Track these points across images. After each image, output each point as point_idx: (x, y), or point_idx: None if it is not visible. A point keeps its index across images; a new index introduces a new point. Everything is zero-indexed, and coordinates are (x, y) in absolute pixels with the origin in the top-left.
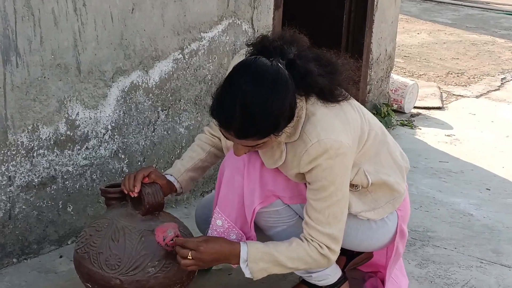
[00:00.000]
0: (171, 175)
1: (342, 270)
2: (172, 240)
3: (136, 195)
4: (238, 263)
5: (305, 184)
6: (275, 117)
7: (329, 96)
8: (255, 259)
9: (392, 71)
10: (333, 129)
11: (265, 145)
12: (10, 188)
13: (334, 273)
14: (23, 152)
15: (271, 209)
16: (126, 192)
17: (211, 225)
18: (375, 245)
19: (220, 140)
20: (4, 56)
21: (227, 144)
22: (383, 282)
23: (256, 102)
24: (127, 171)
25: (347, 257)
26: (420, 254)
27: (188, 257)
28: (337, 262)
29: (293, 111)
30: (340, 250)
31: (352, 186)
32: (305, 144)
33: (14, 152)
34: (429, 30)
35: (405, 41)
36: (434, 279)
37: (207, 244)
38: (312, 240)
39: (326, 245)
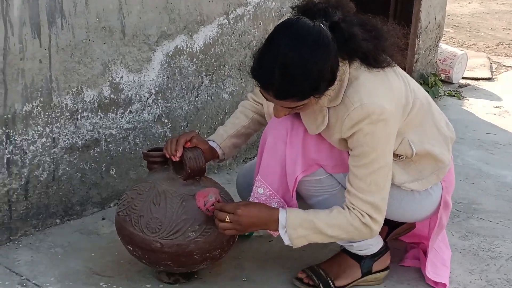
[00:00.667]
0: (214, 141)
1: (384, 240)
2: (213, 205)
3: (177, 159)
4: (277, 229)
5: (348, 152)
6: (315, 78)
7: (373, 61)
8: (294, 225)
9: (441, 41)
10: (377, 94)
11: (305, 107)
12: (54, 149)
13: (375, 243)
14: (67, 114)
15: (313, 178)
16: (168, 156)
17: (252, 193)
18: (418, 216)
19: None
20: (50, 18)
21: (269, 111)
22: (425, 253)
23: (295, 62)
24: (170, 135)
25: (389, 227)
26: (464, 226)
27: (226, 220)
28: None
29: (334, 73)
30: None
31: (396, 156)
32: (347, 108)
33: (58, 114)
34: None
35: (455, 10)
36: (477, 252)
37: (246, 208)
38: (353, 208)
39: (368, 214)
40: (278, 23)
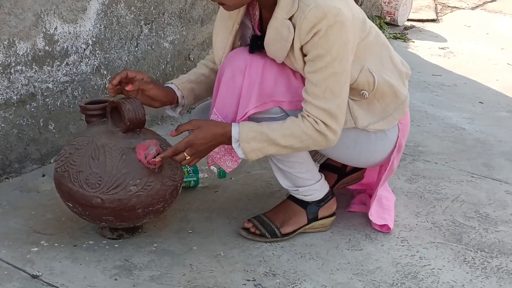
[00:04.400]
0: (172, 83)
1: (331, 188)
2: (154, 157)
3: (111, 86)
4: (231, 143)
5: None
6: None
7: None
8: (247, 138)
9: None
10: None
11: None
12: None
13: (321, 188)
14: None
15: (266, 115)
16: (170, 155)
17: None
18: (373, 159)
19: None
20: None
21: (216, 54)
22: (371, 198)
23: None
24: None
25: (339, 175)
26: (410, 169)
27: (186, 157)
28: (327, 179)
29: None
30: (333, 167)
31: (359, 94)
32: (303, 11)
33: None
34: None
35: None
36: (423, 194)
37: (197, 136)
38: (308, 116)
39: (321, 120)
40: None
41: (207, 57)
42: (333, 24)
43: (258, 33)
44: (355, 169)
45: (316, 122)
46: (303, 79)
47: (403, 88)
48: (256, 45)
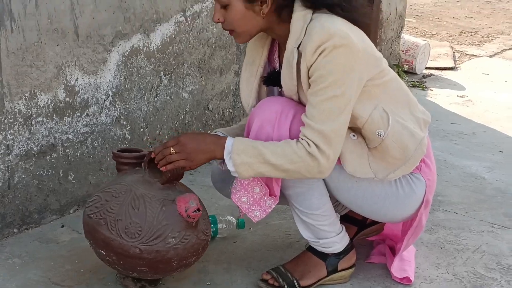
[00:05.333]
0: (219, 131)
1: (351, 239)
2: (194, 211)
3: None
4: (222, 156)
5: None
6: None
7: (340, 10)
8: (238, 150)
9: (403, 31)
10: (341, 24)
11: (232, 10)
12: (8, 157)
13: (342, 241)
14: (21, 120)
15: None
16: (153, 156)
17: (236, 177)
18: (400, 216)
19: None
20: None
21: (247, 102)
22: (391, 249)
23: None
24: (129, 138)
25: (359, 227)
26: (430, 219)
27: (172, 152)
28: (347, 231)
29: None
30: (354, 219)
31: (374, 134)
32: (309, 34)
33: (11, 120)
34: None
35: (418, 0)
36: (444, 245)
37: (188, 135)
38: (302, 139)
39: (315, 143)
40: None
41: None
42: (339, 46)
43: (277, 68)
44: (376, 221)
45: (308, 144)
46: None
47: (419, 130)
48: (270, 79)
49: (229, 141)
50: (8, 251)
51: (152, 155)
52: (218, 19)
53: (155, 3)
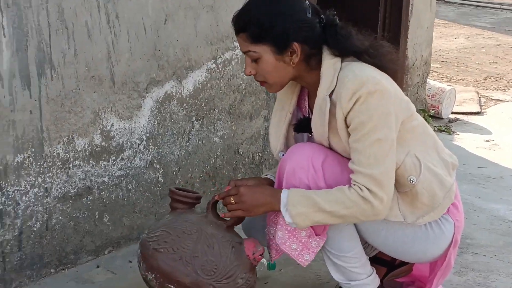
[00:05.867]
0: (270, 175)
1: (381, 281)
2: (260, 255)
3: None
4: (280, 209)
5: None
6: (263, 19)
7: (367, 57)
8: (293, 202)
9: (428, 77)
10: (370, 71)
11: (263, 62)
12: (47, 199)
13: (372, 283)
14: (59, 163)
15: None
16: (218, 199)
17: (279, 225)
18: (430, 256)
19: None
20: (39, 69)
21: (276, 147)
22: None
23: (257, 3)
24: (162, 181)
25: (388, 268)
26: (458, 261)
27: (231, 202)
28: (377, 272)
29: (288, 33)
30: (383, 260)
31: (406, 180)
32: (342, 82)
33: (50, 164)
34: (467, 34)
35: (443, 46)
36: (473, 287)
37: (248, 188)
38: (354, 184)
39: (366, 187)
40: None
41: None
42: (373, 92)
43: (306, 115)
44: (405, 262)
45: (361, 189)
46: None
47: (449, 177)
48: (300, 126)
49: (284, 194)
50: None
51: (216, 198)
52: (250, 72)
53: (187, 51)
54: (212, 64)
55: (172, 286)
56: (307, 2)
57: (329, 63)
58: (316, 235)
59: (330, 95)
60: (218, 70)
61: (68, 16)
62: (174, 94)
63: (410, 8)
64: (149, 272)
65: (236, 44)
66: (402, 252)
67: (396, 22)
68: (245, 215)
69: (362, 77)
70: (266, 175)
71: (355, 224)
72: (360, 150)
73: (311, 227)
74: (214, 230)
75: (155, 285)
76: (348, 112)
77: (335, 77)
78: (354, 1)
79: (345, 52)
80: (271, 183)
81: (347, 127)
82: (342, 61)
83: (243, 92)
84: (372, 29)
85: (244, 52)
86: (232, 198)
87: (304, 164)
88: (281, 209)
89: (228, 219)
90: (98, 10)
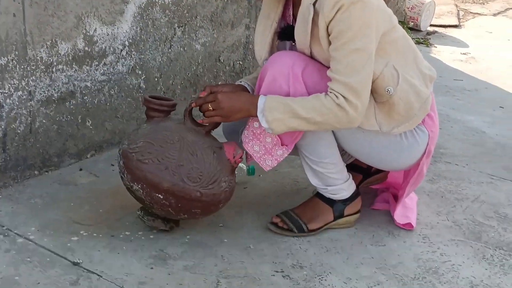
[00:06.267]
0: (243, 81)
1: (356, 187)
2: (240, 158)
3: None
4: (256, 114)
5: None
6: None
7: None
8: (270, 108)
9: None
10: None
11: None
12: (30, 102)
13: (348, 188)
14: (42, 67)
15: None
16: (195, 106)
17: (248, 125)
18: (403, 164)
19: None
20: None
21: (256, 39)
22: (394, 197)
23: None
24: (144, 87)
25: (364, 175)
26: (431, 170)
27: (209, 108)
28: (353, 179)
29: None
30: (359, 167)
31: (384, 90)
32: None
33: (33, 67)
34: None
35: None
36: (444, 194)
37: (224, 93)
38: (330, 92)
39: (342, 95)
40: None
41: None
42: (355, 1)
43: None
44: (380, 170)
45: (336, 96)
46: None
47: (425, 88)
48: (284, 34)
49: (261, 100)
50: (30, 192)
51: (193, 105)
52: None
53: None
54: None
55: (160, 195)
56: None
57: None
58: (282, 145)
59: (314, 4)
60: None
61: None
62: (156, 0)
63: None
64: (135, 183)
65: None
66: (377, 160)
67: None
68: (222, 121)
69: None
70: (241, 81)
71: (333, 132)
72: (338, 58)
73: (278, 136)
74: (194, 137)
75: (142, 195)
76: (330, 21)
77: None
78: None
79: None
80: (245, 89)
81: (329, 35)
82: None
83: (225, 0)
84: None
85: None
86: (209, 105)
87: (285, 72)
88: (258, 115)
89: (206, 125)
90: None
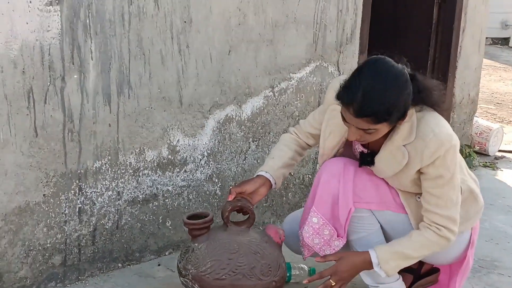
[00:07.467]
0: (267, 172)
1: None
2: (284, 235)
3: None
4: (372, 268)
5: (397, 192)
6: (390, 105)
7: (436, 107)
8: (385, 260)
9: (481, 117)
10: (443, 125)
11: (376, 133)
12: (118, 201)
13: (400, 287)
14: (130, 171)
15: (356, 214)
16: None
17: (307, 222)
18: (450, 257)
19: (305, 142)
20: (119, 88)
21: (324, 152)
22: None
23: (377, 88)
24: (219, 193)
25: (414, 276)
26: (484, 280)
27: (332, 284)
28: (404, 280)
29: (406, 108)
30: (408, 268)
31: None
32: (423, 140)
33: (123, 171)
34: None
35: (500, 89)
36: None
37: (341, 264)
38: (430, 225)
39: (444, 226)
40: (368, 58)
41: (287, 137)
42: (449, 148)
43: (365, 150)
44: (430, 272)
45: (439, 229)
46: (388, 185)
47: (480, 196)
48: (366, 161)
49: (372, 255)
50: (113, 282)
51: (305, 282)
52: (356, 138)
53: (247, 80)
54: (269, 92)
55: None
56: (403, 66)
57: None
58: (338, 236)
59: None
60: (274, 98)
61: (146, 44)
62: (234, 117)
63: (458, 50)
64: None
65: (292, 75)
66: (428, 256)
67: (445, 62)
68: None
69: (442, 138)
70: (263, 171)
71: (383, 229)
72: (438, 195)
73: (334, 227)
74: (246, 238)
75: None
76: (427, 166)
77: (414, 131)
78: (406, 41)
79: (418, 103)
80: (265, 180)
81: (419, 174)
82: (416, 110)
83: (297, 119)
84: (422, 68)
85: (359, 128)
86: (331, 280)
87: (337, 174)
88: (375, 268)
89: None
90: (171, 40)
